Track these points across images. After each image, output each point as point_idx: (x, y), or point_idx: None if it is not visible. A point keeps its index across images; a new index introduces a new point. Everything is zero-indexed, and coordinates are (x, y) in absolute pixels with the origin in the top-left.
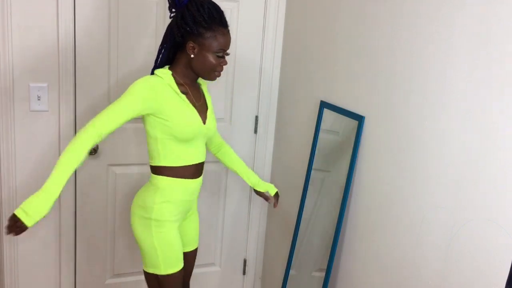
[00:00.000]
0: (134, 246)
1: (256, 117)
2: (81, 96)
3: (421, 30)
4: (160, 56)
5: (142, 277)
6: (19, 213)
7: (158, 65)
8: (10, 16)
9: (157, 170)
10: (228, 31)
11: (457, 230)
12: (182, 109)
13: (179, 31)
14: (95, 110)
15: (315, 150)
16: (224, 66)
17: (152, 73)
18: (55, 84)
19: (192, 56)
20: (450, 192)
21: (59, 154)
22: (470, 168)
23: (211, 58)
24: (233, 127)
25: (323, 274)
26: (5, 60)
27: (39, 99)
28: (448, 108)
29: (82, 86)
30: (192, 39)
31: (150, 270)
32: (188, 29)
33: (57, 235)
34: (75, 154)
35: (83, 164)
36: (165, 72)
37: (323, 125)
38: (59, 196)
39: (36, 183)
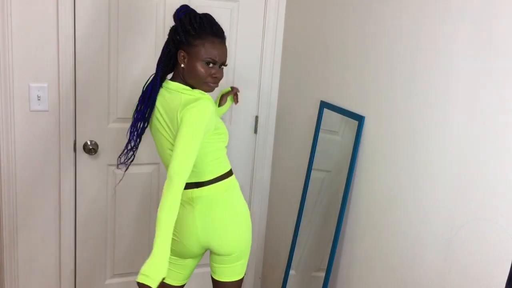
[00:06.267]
0: (134, 246)
1: (256, 117)
2: (81, 96)
3: (422, 29)
4: (160, 69)
5: None
6: (142, 279)
7: (159, 78)
8: (10, 16)
9: (219, 178)
10: (221, 42)
11: (457, 230)
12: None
13: (172, 42)
14: (95, 110)
15: (315, 150)
16: (221, 77)
17: (155, 85)
18: (55, 84)
19: (182, 65)
20: (450, 192)
21: (59, 155)
22: (470, 168)
23: (200, 67)
24: (233, 127)
25: (323, 274)
26: (5, 60)
27: (39, 99)
28: (448, 108)
29: (82, 86)
30: (182, 48)
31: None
32: (178, 37)
33: (57, 235)
34: (173, 209)
35: (83, 164)
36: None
37: (323, 125)
38: (59, 196)
39: (36, 183)
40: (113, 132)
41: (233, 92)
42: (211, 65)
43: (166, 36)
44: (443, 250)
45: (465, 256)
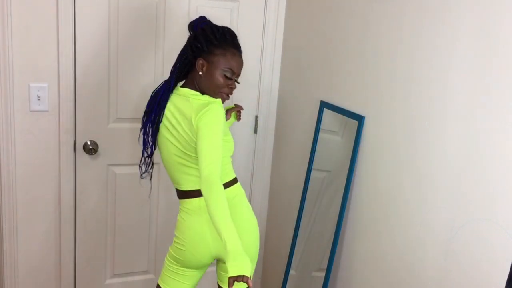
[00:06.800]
0: (134, 246)
1: (256, 117)
2: (81, 96)
3: (422, 30)
4: (174, 76)
5: (142, 277)
6: (233, 272)
7: (172, 84)
8: (10, 16)
9: (228, 184)
10: (240, 55)
11: (457, 230)
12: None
13: (191, 49)
14: (95, 110)
15: (315, 150)
16: (234, 89)
17: (167, 91)
18: (55, 84)
19: (200, 73)
20: (450, 192)
21: (59, 155)
22: (470, 168)
23: (218, 76)
24: (233, 127)
25: (323, 274)
26: (5, 60)
27: (39, 99)
28: (448, 108)
29: (82, 86)
30: (202, 56)
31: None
32: (199, 45)
33: (57, 235)
34: (225, 206)
35: (83, 164)
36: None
37: (323, 125)
38: (59, 196)
39: (36, 183)
40: (113, 132)
41: (237, 109)
42: (229, 75)
43: (166, 36)
44: (443, 250)
45: (465, 256)
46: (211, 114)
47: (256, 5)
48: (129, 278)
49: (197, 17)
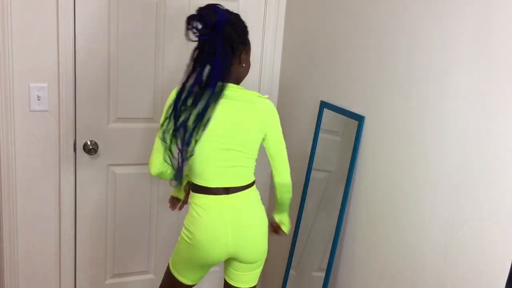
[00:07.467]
0: (134, 246)
1: None
2: (81, 96)
3: (422, 30)
4: (218, 77)
5: (142, 277)
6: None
7: (217, 82)
8: (10, 16)
9: (251, 184)
10: None
11: (457, 230)
12: None
13: (232, 48)
14: (95, 110)
15: (315, 150)
16: None
17: (215, 90)
18: (55, 84)
19: (243, 65)
20: (450, 192)
21: (59, 155)
22: (470, 168)
23: (250, 61)
24: None
25: (323, 274)
26: (5, 60)
27: (39, 99)
28: (448, 108)
29: (82, 86)
30: (245, 49)
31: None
32: (243, 41)
33: (57, 235)
34: None
35: (83, 164)
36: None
37: (323, 125)
38: (59, 196)
39: (36, 183)
40: (113, 132)
41: None
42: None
43: (166, 36)
44: (443, 250)
45: (465, 256)
46: (275, 111)
47: (256, 5)
48: (129, 278)
49: (206, 10)
